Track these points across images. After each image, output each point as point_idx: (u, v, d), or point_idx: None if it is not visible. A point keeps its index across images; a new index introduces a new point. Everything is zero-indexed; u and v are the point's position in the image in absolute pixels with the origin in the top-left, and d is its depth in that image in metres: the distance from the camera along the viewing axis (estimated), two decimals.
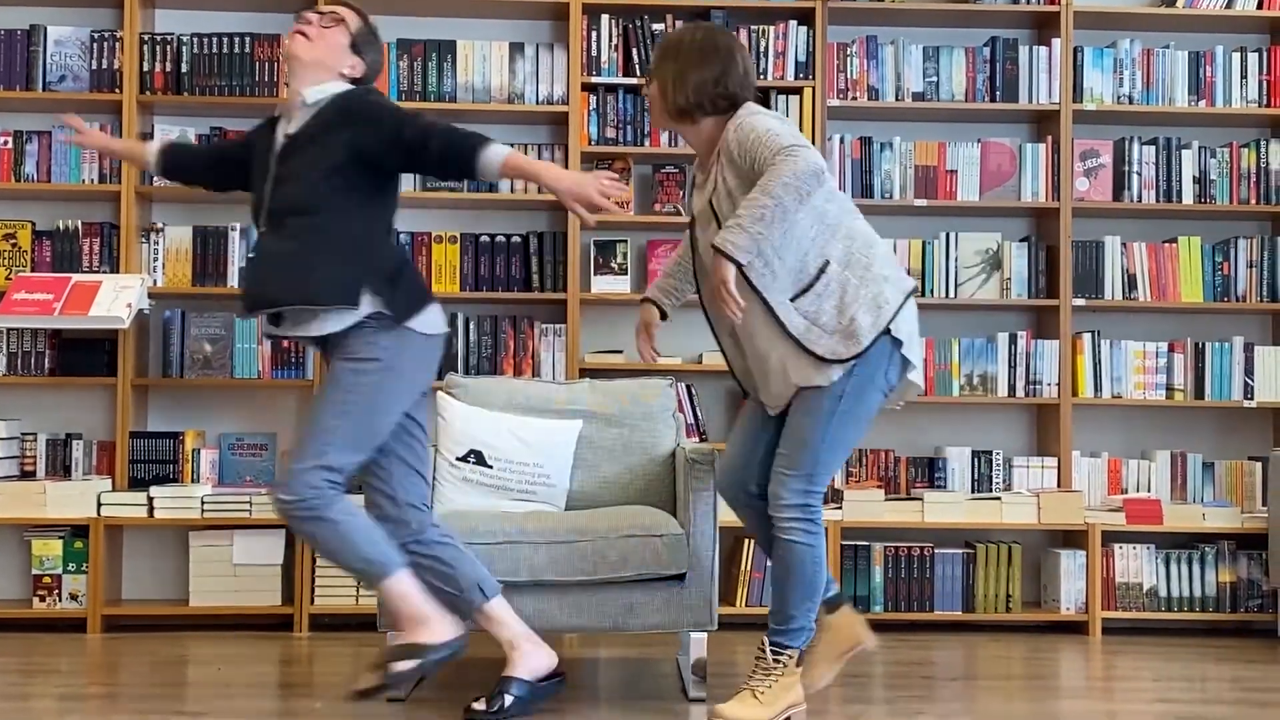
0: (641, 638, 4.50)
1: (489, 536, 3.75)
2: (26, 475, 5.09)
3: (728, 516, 5.00)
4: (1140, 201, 5.32)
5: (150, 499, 4.93)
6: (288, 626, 4.93)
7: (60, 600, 4.92)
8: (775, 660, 3.45)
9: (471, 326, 5.17)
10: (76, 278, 4.96)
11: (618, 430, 4.32)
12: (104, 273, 5.08)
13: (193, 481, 5.07)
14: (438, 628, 3.41)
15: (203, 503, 4.92)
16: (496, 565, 3.72)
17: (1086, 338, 5.28)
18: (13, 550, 5.14)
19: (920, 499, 5.12)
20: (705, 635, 3.83)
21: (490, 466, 4.15)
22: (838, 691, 4.04)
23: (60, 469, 5.10)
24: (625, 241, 5.26)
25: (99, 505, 4.91)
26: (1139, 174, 5.32)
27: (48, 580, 4.92)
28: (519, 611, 3.67)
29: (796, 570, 3.43)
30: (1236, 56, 5.34)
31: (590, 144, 5.20)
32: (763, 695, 3.42)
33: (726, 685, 4.00)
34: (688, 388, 5.19)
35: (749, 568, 5.04)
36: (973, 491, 5.25)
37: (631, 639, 4.69)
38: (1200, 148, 5.34)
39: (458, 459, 4.14)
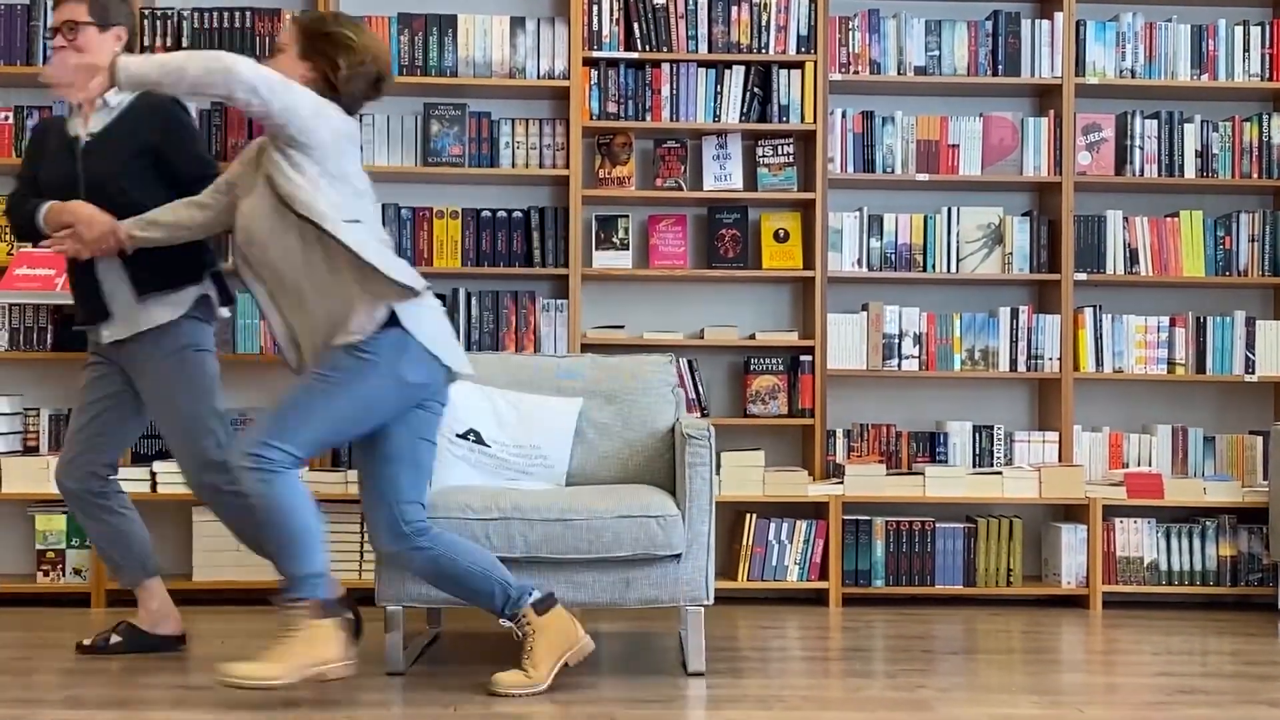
0: (646, 612, 4.52)
1: (484, 513, 3.76)
2: (30, 450, 5.10)
3: (728, 492, 5.04)
4: (1142, 175, 5.31)
5: (153, 474, 4.94)
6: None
7: (64, 575, 4.93)
8: (289, 616, 3.45)
9: (473, 302, 5.17)
10: None
11: (616, 406, 4.32)
12: None
13: None
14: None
15: None
16: (492, 541, 3.73)
17: (1088, 312, 5.27)
18: (17, 525, 5.16)
19: (921, 473, 5.13)
20: (702, 610, 3.83)
21: (488, 446, 4.16)
22: (838, 665, 4.06)
23: (63, 444, 5.10)
24: (627, 217, 5.26)
25: None
26: (1141, 148, 5.31)
27: (51, 555, 4.93)
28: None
29: (265, 520, 3.44)
30: (1239, 30, 5.33)
31: (591, 118, 5.19)
32: (277, 652, 3.42)
33: (726, 659, 4.02)
34: (689, 363, 5.19)
35: (750, 542, 5.05)
36: (974, 466, 5.26)
37: (636, 613, 4.70)
38: (1202, 121, 5.33)
39: (457, 435, 4.14)
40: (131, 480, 4.92)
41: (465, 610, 3.80)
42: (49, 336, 5.07)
